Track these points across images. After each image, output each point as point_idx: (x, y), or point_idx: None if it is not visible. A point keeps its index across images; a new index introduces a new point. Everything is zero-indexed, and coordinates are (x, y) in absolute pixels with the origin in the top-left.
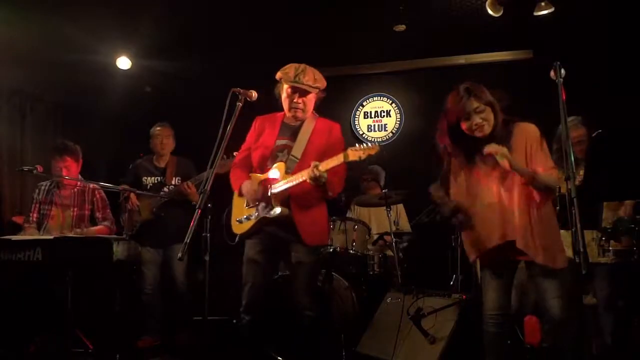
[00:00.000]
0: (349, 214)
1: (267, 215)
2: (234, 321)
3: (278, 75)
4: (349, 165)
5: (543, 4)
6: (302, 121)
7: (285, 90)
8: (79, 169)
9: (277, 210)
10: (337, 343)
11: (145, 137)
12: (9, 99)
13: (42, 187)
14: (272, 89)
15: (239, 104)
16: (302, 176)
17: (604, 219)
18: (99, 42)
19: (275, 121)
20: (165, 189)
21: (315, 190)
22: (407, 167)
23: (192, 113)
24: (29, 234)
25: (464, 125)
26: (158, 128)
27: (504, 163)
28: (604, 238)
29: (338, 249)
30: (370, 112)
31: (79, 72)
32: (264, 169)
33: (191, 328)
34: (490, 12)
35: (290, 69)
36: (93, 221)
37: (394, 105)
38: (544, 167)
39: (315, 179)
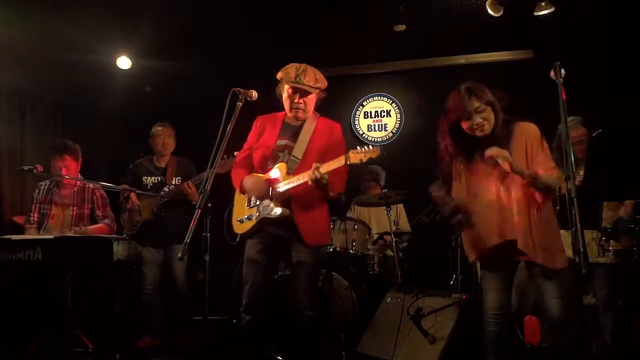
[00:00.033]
0: (349, 214)
1: (268, 216)
2: (234, 321)
3: (279, 75)
4: (350, 166)
5: (543, 4)
6: (303, 121)
7: (286, 90)
8: (79, 168)
9: (278, 210)
10: (337, 343)
11: (145, 137)
12: (9, 99)
13: (42, 187)
14: (272, 89)
15: (239, 104)
16: (303, 177)
17: (604, 219)
18: (99, 42)
19: (276, 121)
20: (166, 189)
21: (316, 191)
22: (407, 167)
23: (192, 113)
24: (29, 234)
25: (465, 125)
26: (159, 128)
27: (505, 165)
28: (604, 238)
29: (338, 248)
30: (371, 112)
31: (79, 72)
32: (264, 168)
33: (191, 328)
34: (490, 12)
35: (291, 69)
36: (93, 220)
37: (394, 105)
38: (545, 167)
39: (316, 181)
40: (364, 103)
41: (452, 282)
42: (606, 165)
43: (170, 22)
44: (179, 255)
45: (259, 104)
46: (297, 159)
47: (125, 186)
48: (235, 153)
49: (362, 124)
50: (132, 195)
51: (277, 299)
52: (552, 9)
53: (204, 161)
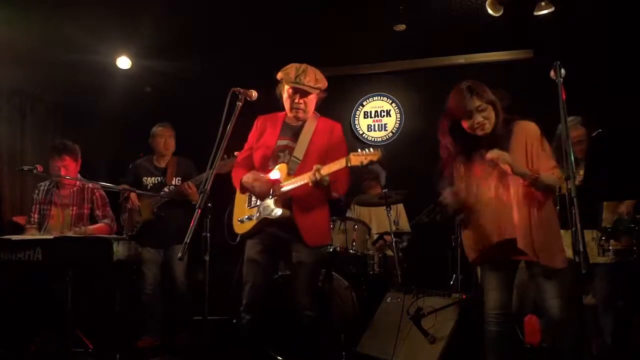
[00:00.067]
0: (348, 214)
1: (269, 216)
2: (234, 321)
3: (279, 75)
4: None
5: (543, 3)
6: (304, 121)
7: (286, 90)
8: (78, 169)
9: (279, 212)
10: (337, 343)
11: (145, 137)
12: (9, 99)
13: (42, 188)
14: (272, 89)
15: (239, 104)
16: (304, 179)
17: (604, 219)
18: (99, 42)
19: (277, 121)
20: (166, 189)
21: (317, 192)
22: (407, 167)
23: (192, 113)
24: (30, 234)
25: (466, 124)
26: (160, 128)
27: (506, 167)
28: (603, 238)
29: (338, 249)
30: (370, 111)
31: (79, 72)
32: (265, 169)
33: (191, 328)
34: (490, 12)
35: (291, 69)
36: (93, 220)
37: (394, 105)
38: (546, 167)
39: (316, 183)
40: (364, 103)
41: (452, 282)
42: (606, 165)
43: (170, 22)
44: (179, 255)
45: (259, 104)
46: (298, 159)
47: (125, 186)
48: (235, 153)
49: (362, 124)
50: (133, 195)
51: (277, 299)
52: (552, 9)
53: (204, 161)
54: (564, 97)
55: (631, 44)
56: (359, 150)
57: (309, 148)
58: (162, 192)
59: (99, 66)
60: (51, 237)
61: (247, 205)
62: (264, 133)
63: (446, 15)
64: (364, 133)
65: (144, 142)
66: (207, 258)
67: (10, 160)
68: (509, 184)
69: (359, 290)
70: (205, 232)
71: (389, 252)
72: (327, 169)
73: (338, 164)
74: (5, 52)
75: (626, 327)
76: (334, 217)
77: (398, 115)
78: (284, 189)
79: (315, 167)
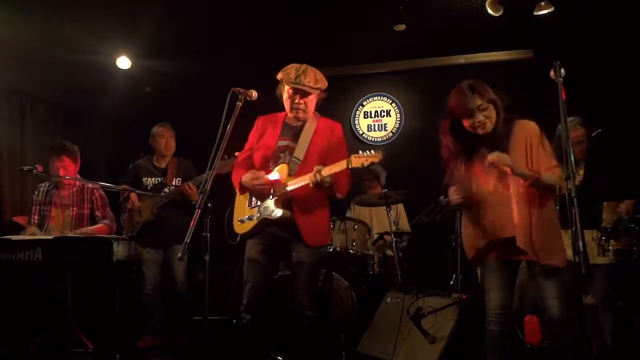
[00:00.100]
0: (348, 214)
1: (269, 217)
2: (234, 321)
3: (279, 76)
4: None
5: (543, 3)
6: (304, 122)
7: (286, 91)
8: (77, 169)
9: (279, 212)
10: (337, 343)
11: (145, 137)
12: (9, 99)
13: (41, 189)
14: (272, 89)
15: (239, 104)
16: (305, 180)
17: (604, 219)
18: (99, 42)
19: (277, 121)
20: (166, 190)
21: (318, 193)
22: (407, 167)
23: (192, 113)
24: (30, 233)
25: (467, 123)
26: (161, 128)
27: (507, 169)
28: (603, 238)
29: (338, 249)
30: (370, 111)
31: (79, 72)
32: (266, 169)
33: (191, 328)
34: (490, 11)
35: (291, 69)
36: (93, 220)
37: (394, 105)
38: (547, 166)
39: (317, 184)
40: (364, 103)
41: (452, 282)
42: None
43: (170, 22)
44: (179, 255)
45: (259, 104)
46: (299, 160)
47: (126, 186)
48: (236, 154)
49: (362, 124)
50: (133, 195)
51: (277, 299)
52: (552, 9)
53: (203, 161)
54: (563, 97)
55: (631, 44)
56: (360, 151)
57: (310, 148)
58: (162, 193)
59: (99, 66)
60: (51, 237)
61: (247, 205)
62: (264, 133)
63: (446, 15)
64: (364, 133)
65: (144, 142)
66: (207, 258)
67: (10, 160)
68: (509, 183)
69: (359, 290)
70: (205, 232)
71: (389, 252)
72: (327, 171)
73: (339, 166)
74: (5, 52)
75: (626, 327)
76: (334, 217)
77: (398, 115)
78: (285, 189)
79: (316, 168)
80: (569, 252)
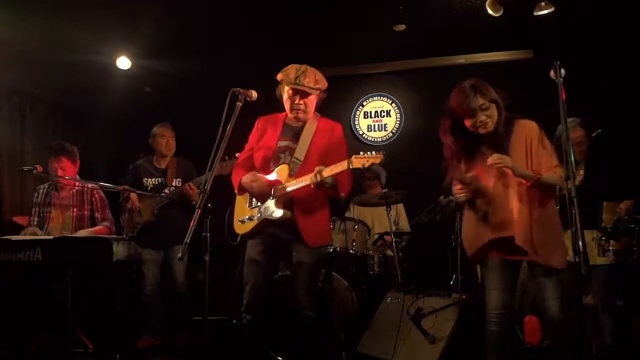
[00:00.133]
0: (347, 214)
1: (269, 217)
2: (234, 321)
3: (279, 76)
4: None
5: (543, 3)
6: (304, 122)
7: (286, 91)
8: (77, 170)
9: (279, 213)
10: (337, 343)
11: (145, 137)
12: (9, 99)
13: (41, 190)
14: (272, 89)
15: (239, 104)
16: (306, 180)
17: (604, 219)
18: (99, 42)
19: (277, 122)
20: (166, 191)
21: (318, 193)
22: (407, 167)
23: (192, 113)
24: (30, 233)
25: (468, 122)
26: (162, 128)
27: (508, 171)
28: (603, 238)
29: (338, 249)
30: (370, 112)
31: (79, 72)
32: (266, 170)
33: (191, 328)
34: (490, 12)
35: (290, 70)
36: (93, 222)
37: (394, 105)
38: (547, 166)
39: (318, 185)
40: (364, 103)
41: (452, 282)
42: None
43: (170, 22)
44: (179, 255)
45: (259, 104)
46: (299, 160)
47: (126, 186)
48: (236, 154)
49: (362, 124)
50: (133, 196)
51: (277, 299)
52: (552, 9)
53: (204, 162)
54: (563, 97)
55: (631, 44)
56: (361, 152)
57: (310, 149)
58: (162, 193)
59: (99, 66)
60: (51, 237)
61: (247, 205)
62: (264, 134)
63: (446, 15)
64: (364, 133)
65: (144, 142)
66: (207, 258)
67: (10, 160)
68: (509, 182)
69: (359, 290)
70: (205, 232)
71: (389, 252)
72: (328, 171)
73: (340, 166)
74: (5, 52)
75: (626, 327)
76: (334, 217)
77: (398, 115)
78: (285, 190)
79: (317, 169)
80: (569, 253)
